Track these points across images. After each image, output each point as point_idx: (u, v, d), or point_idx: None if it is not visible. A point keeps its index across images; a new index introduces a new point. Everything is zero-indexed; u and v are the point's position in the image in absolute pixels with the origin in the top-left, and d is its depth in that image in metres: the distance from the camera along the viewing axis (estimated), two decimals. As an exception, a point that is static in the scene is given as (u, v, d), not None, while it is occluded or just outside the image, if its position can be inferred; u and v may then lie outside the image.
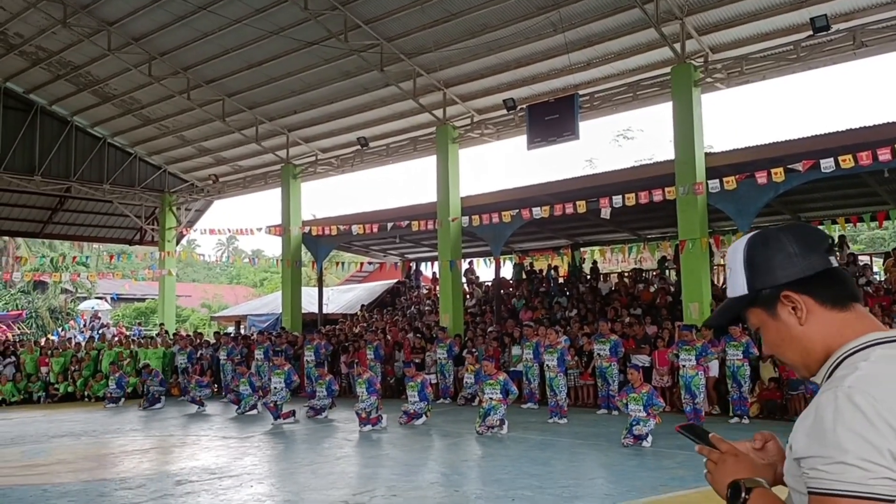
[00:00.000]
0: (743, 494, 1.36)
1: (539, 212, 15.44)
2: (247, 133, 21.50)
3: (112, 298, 35.65)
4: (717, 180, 13.30)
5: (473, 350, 14.99)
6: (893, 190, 15.40)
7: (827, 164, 12.09)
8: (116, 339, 22.30)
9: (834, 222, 14.75)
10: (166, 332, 22.21)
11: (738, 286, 1.47)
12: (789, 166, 12.59)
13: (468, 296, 20.77)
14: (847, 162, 11.84)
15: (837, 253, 1.63)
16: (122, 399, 17.08)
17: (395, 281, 26.36)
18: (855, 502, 1.18)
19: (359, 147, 20.12)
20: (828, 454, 1.21)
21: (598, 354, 13.04)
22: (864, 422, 1.19)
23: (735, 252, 1.49)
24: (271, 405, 12.71)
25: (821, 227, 15.41)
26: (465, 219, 17.05)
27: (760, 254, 1.45)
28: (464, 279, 19.84)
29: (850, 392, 1.23)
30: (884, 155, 11.46)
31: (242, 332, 20.89)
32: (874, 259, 19.54)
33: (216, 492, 7.21)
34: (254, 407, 14.08)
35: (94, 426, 13.17)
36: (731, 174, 13.32)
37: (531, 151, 16.16)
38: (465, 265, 20.53)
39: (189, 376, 16.78)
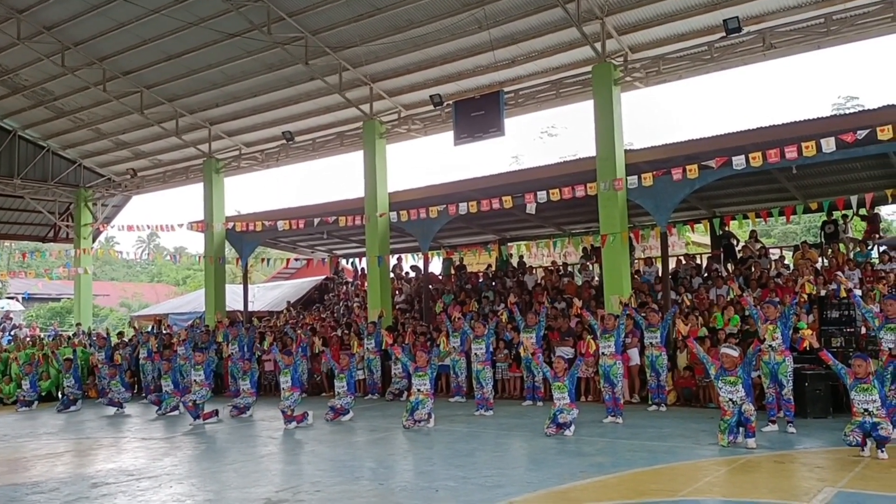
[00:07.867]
0: None
1: (466, 207, 15.55)
2: (166, 126, 20.91)
3: (24, 298, 34.16)
4: (636, 176, 13.69)
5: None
6: (801, 186, 16.20)
7: (738, 162, 12.59)
8: (29, 339, 21.34)
9: (745, 217, 15.41)
10: (83, 331, 21.42)
11: None
12: (703, 163, 13.05)
13: (397, 291, 20.76)
14: (757, 159, 12.36)
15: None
16: (36, 402, 16.37)
17: (324, 277, 26.10)
18: None
19: (284, 141, 19.86)
20: None
21: (524, 345, 13.17)
22: None
23: None
24: (190, 404, 12.38)
25: (734, 221, 16.22)
26: (394, 214, 17.03)
27: None
28: (392, 274, 19.82)
29: None
30: (790, 153, 11.98)
31: (163, 329, 20.29)
32: (785, 252, 20.54)
33: (134, 493, 7.03)
34: (175, 408, 13.70)
35: (4, 430, 12.59)
36: (650, 171, 13.73)
37: (458, 148, 16.28)
38: (393, 261, 20.51)
39: (110, 370, 16.15)
